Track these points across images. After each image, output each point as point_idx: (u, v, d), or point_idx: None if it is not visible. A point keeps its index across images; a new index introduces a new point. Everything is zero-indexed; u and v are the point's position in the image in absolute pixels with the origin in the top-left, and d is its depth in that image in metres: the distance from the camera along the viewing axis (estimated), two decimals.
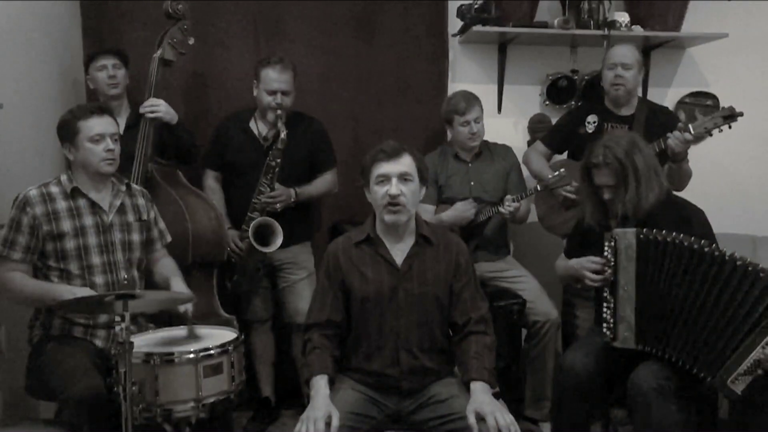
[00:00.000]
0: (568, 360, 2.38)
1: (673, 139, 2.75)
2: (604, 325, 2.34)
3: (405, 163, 2.15)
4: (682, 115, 3.69)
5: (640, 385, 2.20)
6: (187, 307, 2.36)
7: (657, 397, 2.16)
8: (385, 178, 2.14)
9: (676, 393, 2.20)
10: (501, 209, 2.94)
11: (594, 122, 3.15)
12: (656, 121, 3.04)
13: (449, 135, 3.25)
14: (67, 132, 2.31)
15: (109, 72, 2.88)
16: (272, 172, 2.88)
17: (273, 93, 2.92)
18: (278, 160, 2.87)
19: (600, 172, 2.40)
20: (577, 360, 2.34)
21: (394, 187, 2.12)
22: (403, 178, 2.14)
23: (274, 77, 2.92)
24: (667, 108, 3.34)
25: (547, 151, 3.29)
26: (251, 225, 2.88)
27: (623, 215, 2.40)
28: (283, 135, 2.84)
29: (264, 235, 2.91)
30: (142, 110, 2.74)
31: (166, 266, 2.55)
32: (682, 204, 2.48)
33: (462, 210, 3.02)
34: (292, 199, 2.96)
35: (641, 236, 2.28)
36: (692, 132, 2.73)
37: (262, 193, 2.90)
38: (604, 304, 2.36)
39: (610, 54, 3.07)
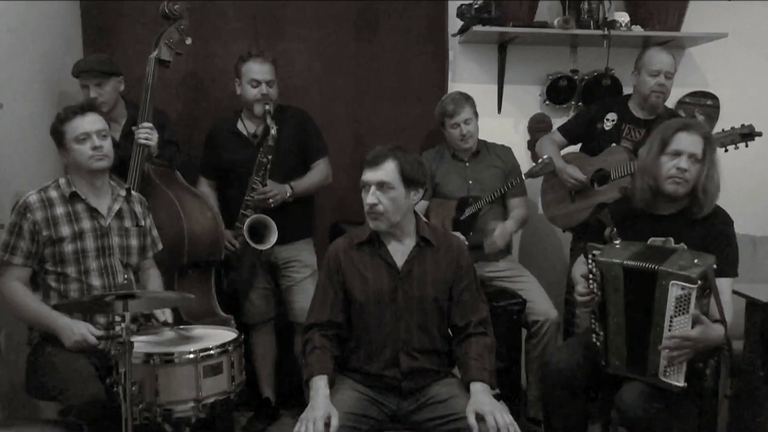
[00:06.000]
0: (553, 358, 2.39)
1: None
2: (593, 335, 2.31)
3: (385, 171, 2.13)
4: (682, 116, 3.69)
5: (627, 413, 2.16)
6: (166, 316, 2.37)
7: (647, 423, 2.13)
8: (365, 185, 2.16)
9: (669, 408, 2.17)
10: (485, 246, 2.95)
11: (613, 120, 3.13)
12: None
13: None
14: (56, 137, 2.33)
15: (90, 93, 2.77)
16: (264, 168, 2.88)
17: (257, 84, 2.94)
18: (269, 157, 2.87)
19: (691, 137, 2.28)
20: (561, 358, 2.34)
21: (370, 196, 2.13)
22: (381, 186, 2.13)
23: (256, 68, 2.94)
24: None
25: (562, 141, 3.26)
26: (245, 223, 2.88)
27: (684, 209, 2.33)
28: (273, 131, 2.84)
29: (259, 232, 2.91)
30: (136, 135, 2.69)
31: (150, 280, 2.55)
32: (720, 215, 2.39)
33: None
34: (288, 194, 2.95)
35: (632, 270, 2.16)
36: None
37: (254, 190, 2.89)
38: (592, 319, 2.32)
39: (653, 60, 3.01)
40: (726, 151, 2.75)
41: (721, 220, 2.35)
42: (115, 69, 2.85)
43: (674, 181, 2.28)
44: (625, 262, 2.17)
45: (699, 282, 2.04)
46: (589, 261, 2.26)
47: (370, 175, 2.15)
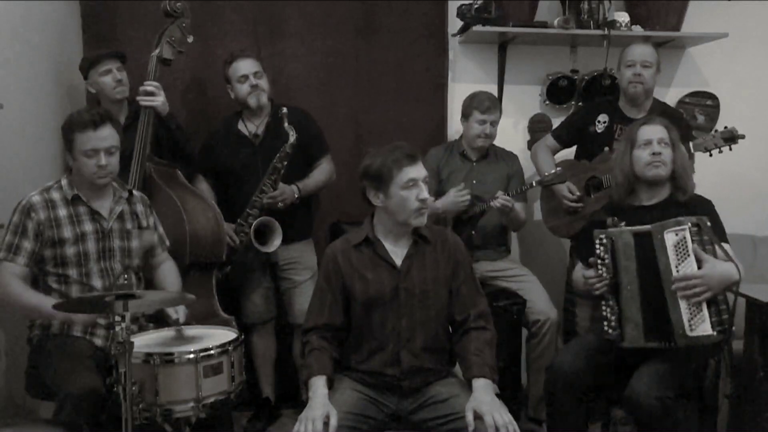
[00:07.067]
0: (557, 360, 2.42)
1: None
2: (605, 323, 2.34)
3: (423, 167, 2.18)
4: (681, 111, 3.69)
5: (639, 402, 2.17)
6: (179, 315, 2.36)
7: (659, 412, 2.14)
8: (414, 183, 2.13)
9: (676, 398, 2.19)
10: (492, 203, 2.94)
11: (604, 122, 3.13)
12: None
13: (462, 129, 3.22)
14: (65, 139, 2.32)
15: (116, 76, 2.84)
16: (277, 173, 2.89)
17: (245, 79, 2.95)
18: (284, 163, 2.87)
19: (653, 127, 2.46)
20: (565, 360, 2.37)
21: (425, 191, 2.14)
22: (425, 180, 2.17)
23: (241, 65, 2.97)
24: (679, 112, 3.35)
25: (556, 145, 3.27)
26: (252, 225, 2.88)
27: (666, 199, 2.44)
28: (292, 139, 2.83)
29: (263, 233, 2.91)
30: (139, 97, 2.73)
31: (165, 273, 2.55)
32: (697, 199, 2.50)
33: (455, 196, 2.97)
34: (296, 196, 2.96)
35: (637, 234, 2.30)
36: (692, 151, 2.73)
37: (264, 192, 2.89)
38: (602, 303, 2.35)
39: (629, 52, 3.04)
40: (710, 155, 2.79)
41: (700, 201, 2.47)
42: (125, 61, 2.93)
43: (654, 166, 2.43)
44: (632, 228, 2.32)
45: (689, 224, 2.20)
46: (597, 242, 2.34)
47: (417, 171, 2.14)
